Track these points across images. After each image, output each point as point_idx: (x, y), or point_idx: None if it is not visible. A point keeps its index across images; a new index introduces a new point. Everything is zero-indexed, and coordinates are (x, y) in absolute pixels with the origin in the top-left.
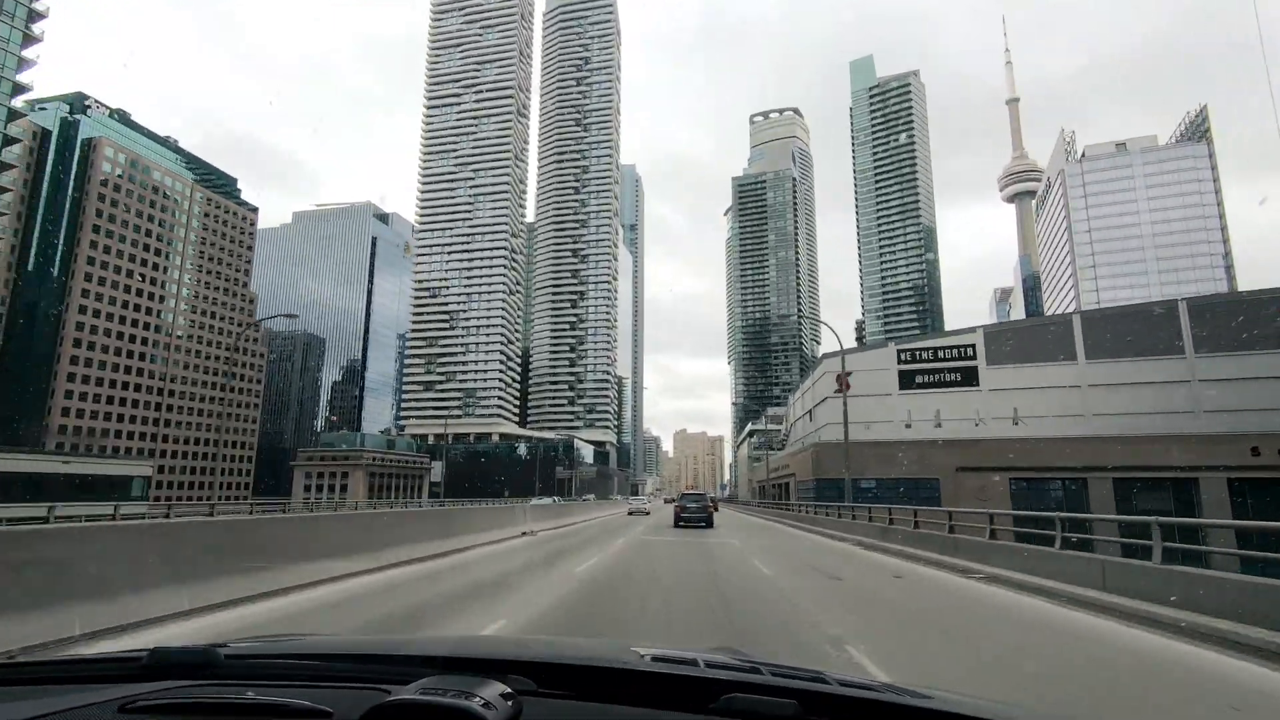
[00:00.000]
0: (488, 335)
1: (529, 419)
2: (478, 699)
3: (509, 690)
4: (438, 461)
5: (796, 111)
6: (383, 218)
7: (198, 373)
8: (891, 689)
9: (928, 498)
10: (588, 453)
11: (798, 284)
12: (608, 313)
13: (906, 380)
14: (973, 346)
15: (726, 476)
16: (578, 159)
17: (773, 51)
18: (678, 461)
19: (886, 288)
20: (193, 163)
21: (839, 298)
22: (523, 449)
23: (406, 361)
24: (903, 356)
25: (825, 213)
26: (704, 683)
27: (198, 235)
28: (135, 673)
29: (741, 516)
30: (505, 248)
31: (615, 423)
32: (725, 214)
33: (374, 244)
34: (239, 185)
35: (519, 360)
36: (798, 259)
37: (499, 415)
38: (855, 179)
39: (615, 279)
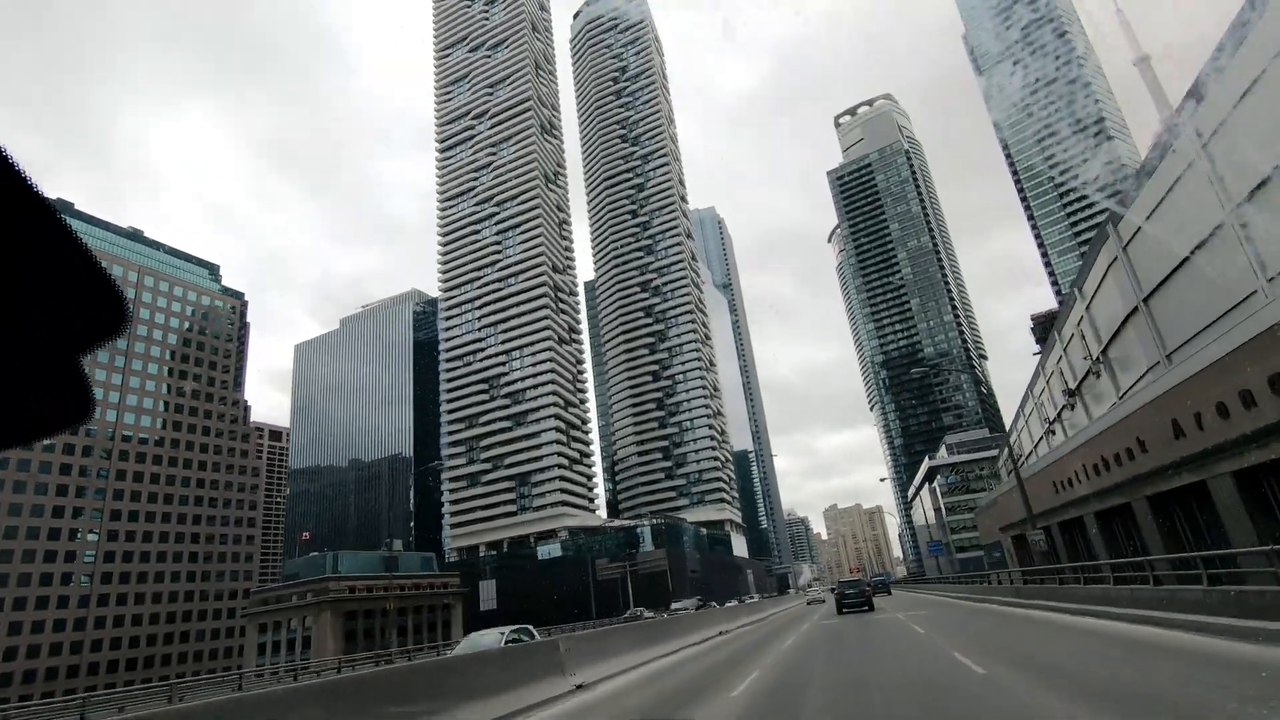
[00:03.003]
0: (535, 398)
1: (621, 506)
2: None
3: None
4: (487, 580)
5: (888, 98)
6: (433, 302)
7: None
8: None
9: None
10: (700, 540)
11: (943, 271)
12: (699, 364)
13: None
14: None
15: (896, 551)
16: (629, 177)
17: (851, 81)
18: (833, 544)
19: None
20: (154, 247)
21: (1007, 271)
22: (578, 544)
23: (445, 454)
24: None
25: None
26: None
27: (152, 328)
28: None
29: None
30: (546, 284)
31: (734, 497)
32: (830, 240)
33: (418, 326)
34: (220, 272)
35: (580, 426)
36: (935, 243)
37: (564, 504)
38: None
39: (701, 317)
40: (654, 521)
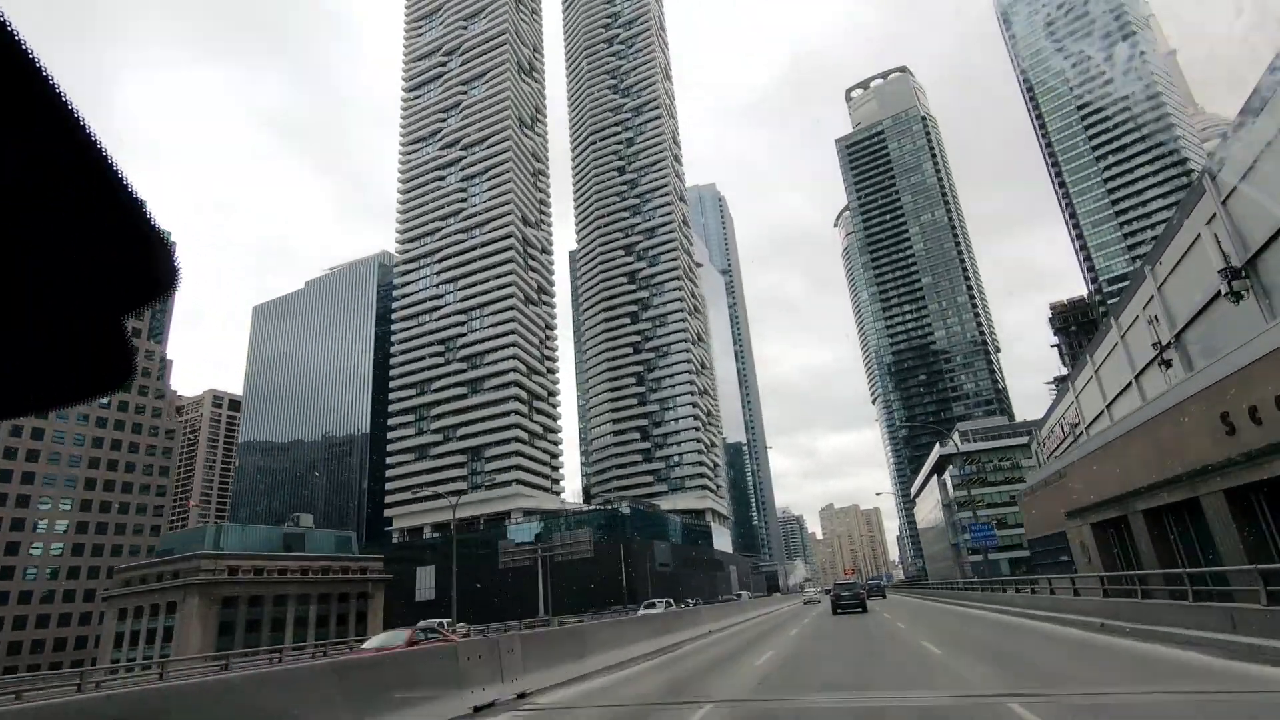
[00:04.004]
0: (495, 362)
1: (593, 490)
2: None
3: None
4: (425, 567)
5: (904, 70)
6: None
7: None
8: None
9: None
10: (672, 527)
11: (959, 247)
12: (685, 337)
13: None
14: None
15: (894, 554)
16: (617, 131)
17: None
18: (828, 544)
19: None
20: None
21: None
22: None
23: (392, 423)
24: None
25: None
26: None
27: None
28: None
29: None
30: (514, 237)
31: (718, 486)
32: (836, 224)
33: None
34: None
35: (546, 398)
36: (951, 216)
37: (520, 483)
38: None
39: (690, 286)
40: (613, 506)
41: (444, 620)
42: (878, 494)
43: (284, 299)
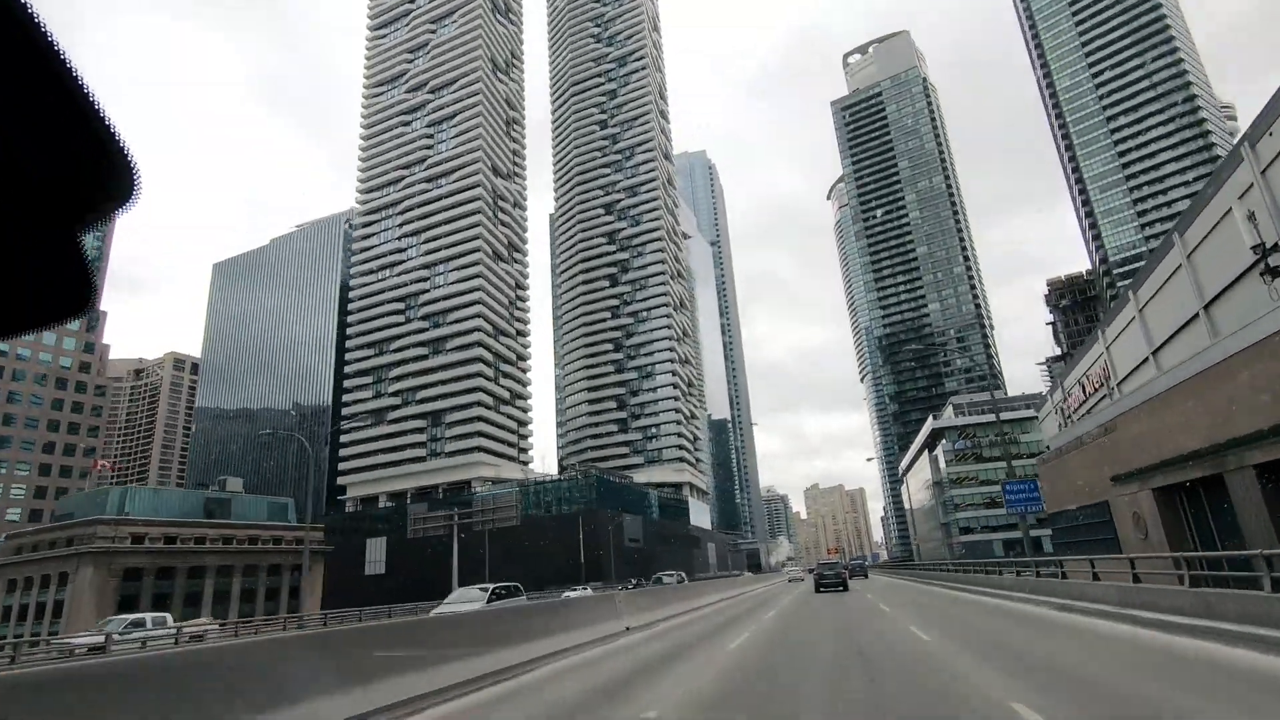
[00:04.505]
0: (458, 321)
1: (565, 461)
2: None
3: None
4: (377, 539)
5: (904, 33)
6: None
7: None
8: None
9: None
10: (645, 501)
11: (956, 216)
12: (666, 301)
13: None
14: None
15: (877, 535)
16: (600, 82)
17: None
18: (812, 524)
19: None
20: None
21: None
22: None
23: (348, 385)
24: None
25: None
26: None
27: None
28: None
29: None
30: (482, 188)
31: (697, 459)
32: (829, 196)
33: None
34: None
35: (515, 362)
36: (950, 183)
37: (483, 450)
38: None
39: (673, 249)
40: (576, 475)
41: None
42: (868, 459)
43: (247, 256)
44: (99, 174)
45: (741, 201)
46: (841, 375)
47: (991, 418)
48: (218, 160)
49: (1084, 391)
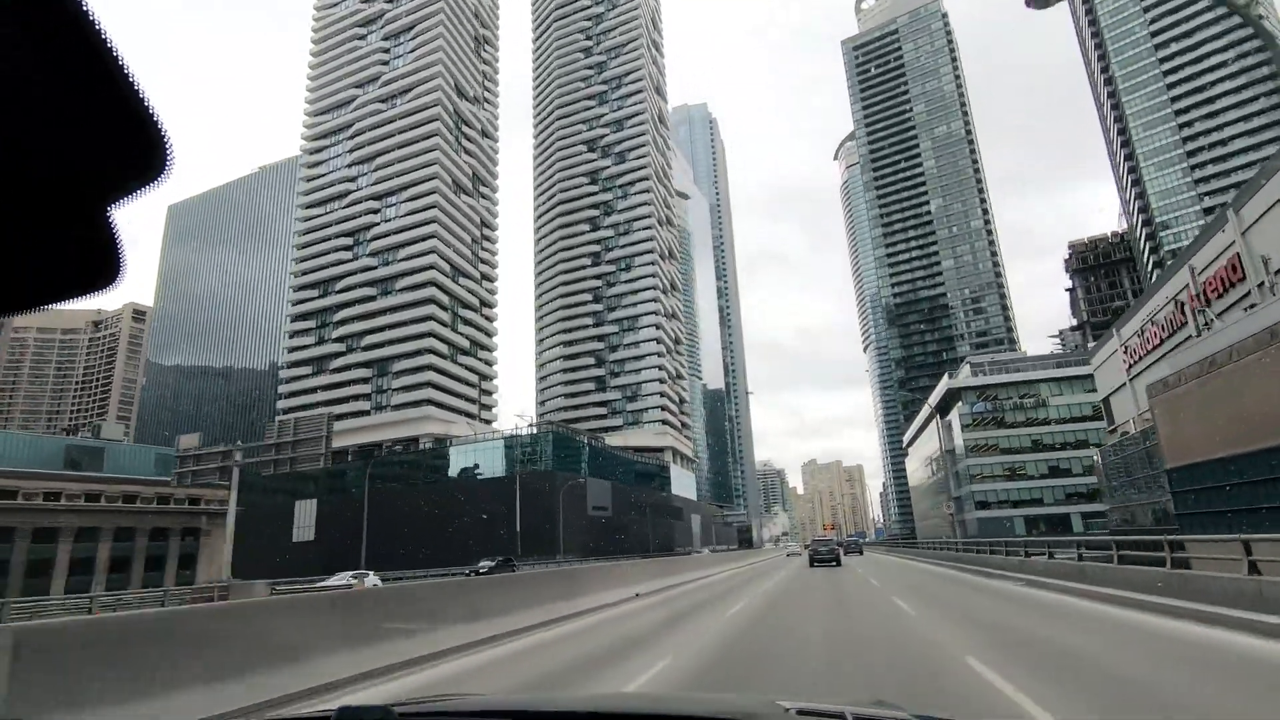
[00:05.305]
0: (410, 257)
1: (541, 420)
2: None
3: None
4: (306, 501)
5: None
6: None
7: None
8: None
9: None
10: (616, 465)
11: (975, 165)
12: (651, 248)
13: None
14: None
15: (874, 512)
16: (586, 5)
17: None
18: (808, 499)
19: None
20: None
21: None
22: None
23: (288, 329)
24: None
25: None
26: None
27: None
28: None
29: None
30: (441, 109)
31: (683, 424)
32: (836, 156)
33: None
34: None
35: (477, 307)
36: (969, 127)
37: (432, 403)
38: None
39: (662, 191)
40: (529, 430)
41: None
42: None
43: (203, 198)
44: (132, 148)
45: (742, 173)
46: (842, 354)
47: (1019, 377)
48: (184, 92)
49: (1201, 298)
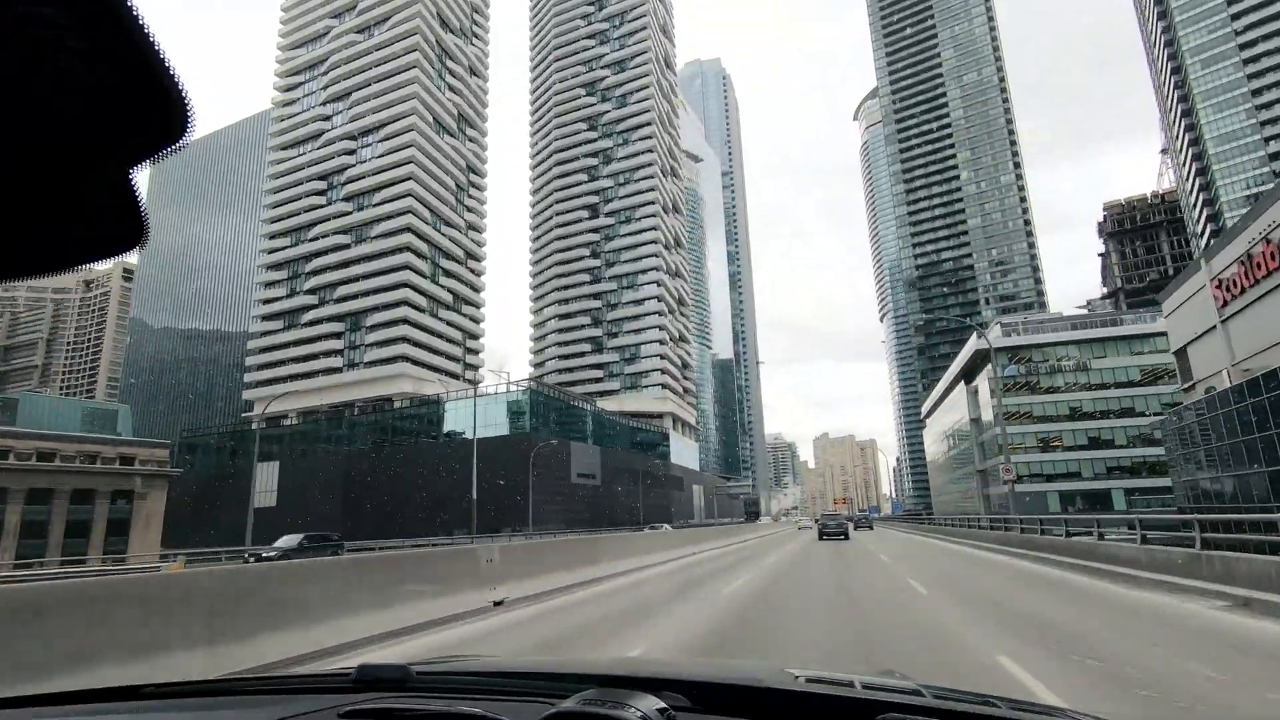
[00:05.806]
0: (386, 201)
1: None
2: (634, 710)
3: (664, 705)
4: (269, 464)
5: None
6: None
7: None
8: (1067, 714)
9: None
10: (609, 429)
11: (1007, 113)
12: (653, 200)
13: None
14: None
15: (886, 488)
16: None
17: None
18: (819, 473)
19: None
20: None
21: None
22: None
23: (259, 281)
24: None
25: None
26: (861, 704)
27: None
28: (346, 686)
29: None
30: (421, 39)
31: (685, 389)
32: (856, 116)
33: None
34: None
35: (462, 259)
36: (1001, 74)
37: (407, 359)
38: None
39: (667, 140)
40: (512, 390)
41: None
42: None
43: (179, 154)
44: (155, 111)
45: (757, 139)
46: (859, 329)
47: (1057, 337)
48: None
49: None
